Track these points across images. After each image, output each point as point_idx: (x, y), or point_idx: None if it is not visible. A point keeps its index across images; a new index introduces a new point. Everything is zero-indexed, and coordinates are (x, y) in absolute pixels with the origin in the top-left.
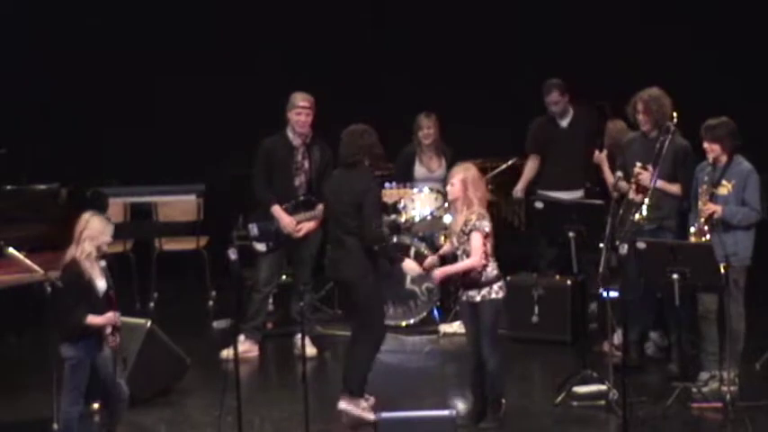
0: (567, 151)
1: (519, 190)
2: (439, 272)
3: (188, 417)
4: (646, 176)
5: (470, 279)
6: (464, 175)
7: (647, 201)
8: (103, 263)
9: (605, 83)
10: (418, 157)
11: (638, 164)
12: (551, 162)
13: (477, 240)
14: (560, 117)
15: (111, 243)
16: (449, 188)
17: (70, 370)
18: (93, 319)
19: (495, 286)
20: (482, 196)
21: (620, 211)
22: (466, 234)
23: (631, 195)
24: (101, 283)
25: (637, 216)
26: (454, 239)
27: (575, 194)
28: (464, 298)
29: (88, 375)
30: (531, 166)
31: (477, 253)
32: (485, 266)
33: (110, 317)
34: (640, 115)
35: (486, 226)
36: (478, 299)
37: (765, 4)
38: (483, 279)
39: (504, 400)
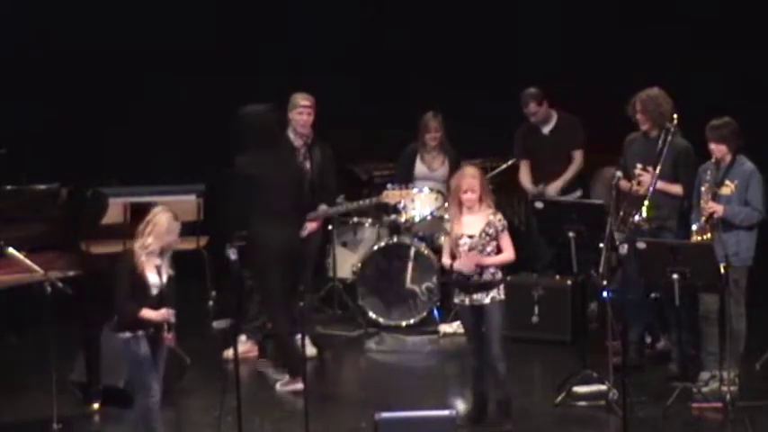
0: (552, 157)
1: (535, 193)
2: (477, 258)
3: (188, 417)
4: (646, 178)
5: (483, 281)
6: (480, 179)
7: (646, 202)
8: (167, 256)
9: (605, 83)
10: (420, 155)
11: (639, 165)
12: (538, 168)
13: (508, 238)
14: (542, 124)
15: (177, 242)
16: (469, 195)
17: (130, 364)
18: (146, 313)
19: (501, 287)
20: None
21: (621, 212)
22: (489, 235)
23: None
24: (154, 279)
25: (637, 218)
26: (465, 242)
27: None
28: (467, 302)
29: (152, 367)
30: (525, 172)
31: (511, 250)
32: (498, 267)
33: (163, 313)
34: (639, 115)
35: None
36: (487, 301)
37: (765, 4)
38: (495, 280)
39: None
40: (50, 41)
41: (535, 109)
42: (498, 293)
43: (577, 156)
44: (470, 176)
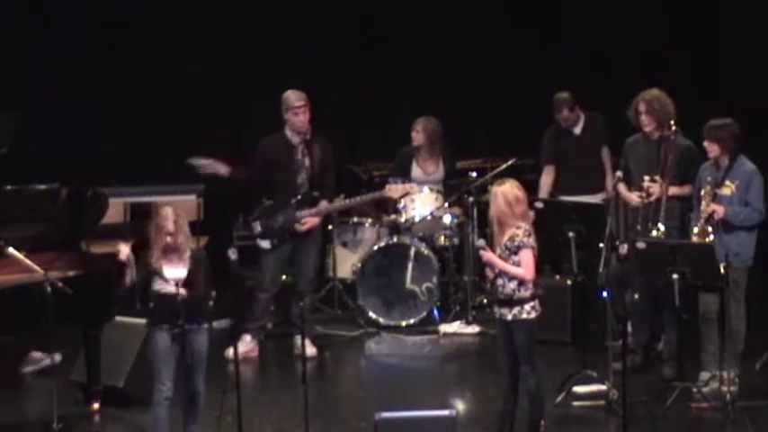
0: (584, 156)
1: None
2: (488, 255)
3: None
4: (656, 188)
5: (504, 294)
6: (503, 198)
7: (662, 214)
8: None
9: (607, 84)
10: (415, 158)
11: (647, 177)
12: (568, 168)
13: (529, 257)
14: (573, 126)
15: (172, 230)
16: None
17: (150, 356)
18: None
19: (528, 306)
20: (522, 211)
21: (637, 225)
22: (509, 249)
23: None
24: (173, 273)
25: (655, 233)
26: (497, 252)
27: (596, 198)
28: (498, 315)
29: (173, 361)
30: (546, 180)
31: (528, 268)
32: (521, 284)
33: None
34: (643, 116)
35: (534, 242)
36: (509, 317)
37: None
38: (515, 297)
39: (543, 422)
40: (50, 41)
41: (568, 114)
42: (521, 312)
43: (605, 154)
44: (494, 196)
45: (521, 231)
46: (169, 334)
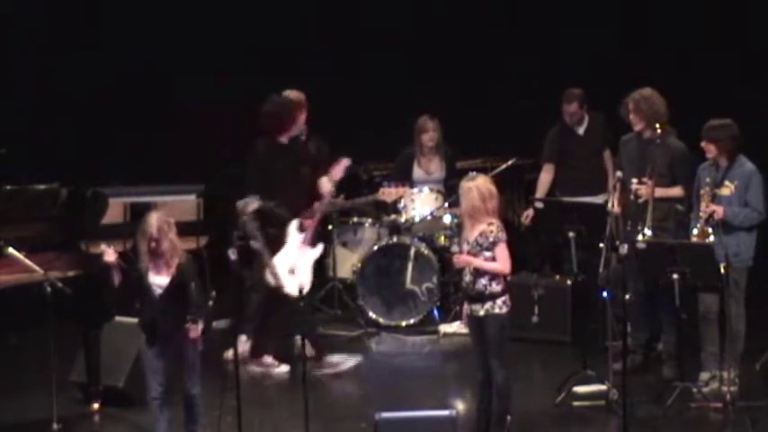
0: (587, 157)
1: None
2: (463, 257)
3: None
4: (644, 190)
5: (476, 291)
6: (477, 192)
7: (648, 216)
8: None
9: (606, 84)
10: (417, 159)
11: (635, 180)
12: (571, 168)
13: (504, 251)
14: (577, 125)
15: (152, 234)
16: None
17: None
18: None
19: (499, 301)
20: (493, 207)
21: (628, 224)
22: (480, 245)
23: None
24: (159, 280)
25: (640, 237)
26: (464, 247)
27: (597, 199)
28: (468, 311)
29: (159, 364)
30: (546, 179)
31: (505, 262)
32: (493, 279)
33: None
34: (631, 115)
35: (505, 236)
36: (482, 313)
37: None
38: (487, 293)
39: (509, 417)
40: (50, 41)
41: (576, 109)
42: (493, 307)
43: (608, 156)
44: (468, 190)
45: (494, 227)
46: (156, 344)
